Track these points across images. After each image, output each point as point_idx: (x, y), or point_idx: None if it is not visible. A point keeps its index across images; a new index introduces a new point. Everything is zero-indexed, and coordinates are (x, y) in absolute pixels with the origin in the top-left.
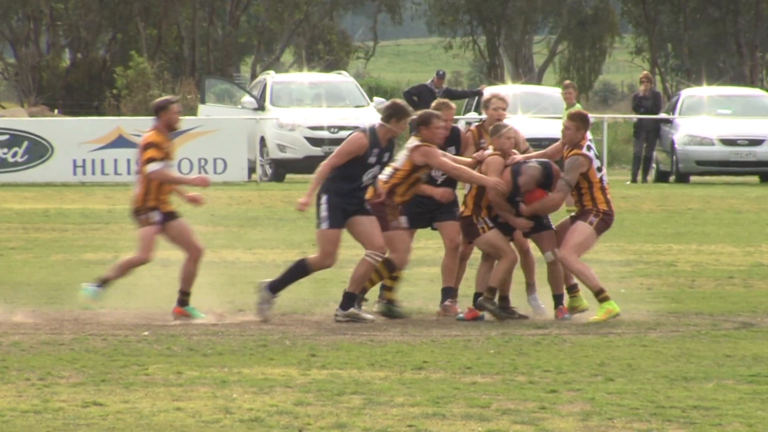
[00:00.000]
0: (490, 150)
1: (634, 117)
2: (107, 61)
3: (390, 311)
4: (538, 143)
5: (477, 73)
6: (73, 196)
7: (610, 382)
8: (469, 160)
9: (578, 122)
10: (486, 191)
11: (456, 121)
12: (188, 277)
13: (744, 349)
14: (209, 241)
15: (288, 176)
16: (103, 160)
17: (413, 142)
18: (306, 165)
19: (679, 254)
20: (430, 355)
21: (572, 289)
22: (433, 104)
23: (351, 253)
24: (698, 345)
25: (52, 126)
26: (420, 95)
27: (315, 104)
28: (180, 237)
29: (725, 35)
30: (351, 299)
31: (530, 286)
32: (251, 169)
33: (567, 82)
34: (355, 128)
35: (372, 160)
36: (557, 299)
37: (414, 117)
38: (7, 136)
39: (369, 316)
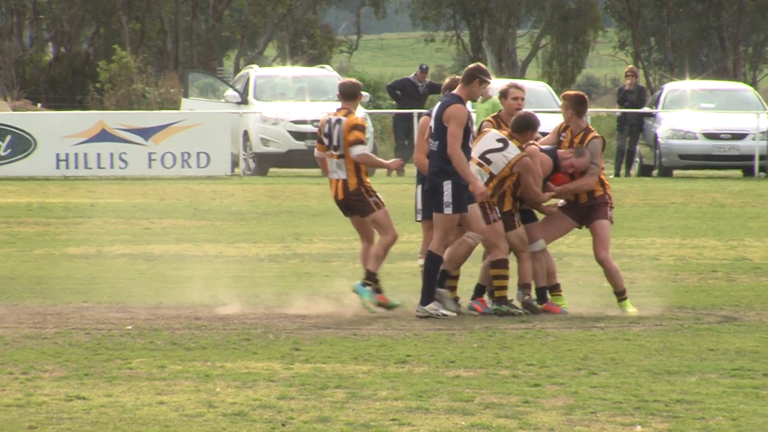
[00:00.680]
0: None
1: (618, 111)
2: (90, 55)
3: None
4: None
5: (460, 67)
6: (56, 190)
7: (593, 376)
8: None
9: (576, 106)
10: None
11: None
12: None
13: (727, 343)
14: (192, 235)
15: (271, 170)
16: (86, 154)
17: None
18: (289, 159)
19: (662, 248)
20: (413, 349)
21: (555, 289)
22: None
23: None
24: (681, 339)
25: (35, 120)
26: (403, 89)
27: (298, 98)
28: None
29: (708, 29)
30: (444, 275)
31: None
32: (234, 163)
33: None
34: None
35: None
36: (540, 292)
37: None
38: None
39: (451, 313)
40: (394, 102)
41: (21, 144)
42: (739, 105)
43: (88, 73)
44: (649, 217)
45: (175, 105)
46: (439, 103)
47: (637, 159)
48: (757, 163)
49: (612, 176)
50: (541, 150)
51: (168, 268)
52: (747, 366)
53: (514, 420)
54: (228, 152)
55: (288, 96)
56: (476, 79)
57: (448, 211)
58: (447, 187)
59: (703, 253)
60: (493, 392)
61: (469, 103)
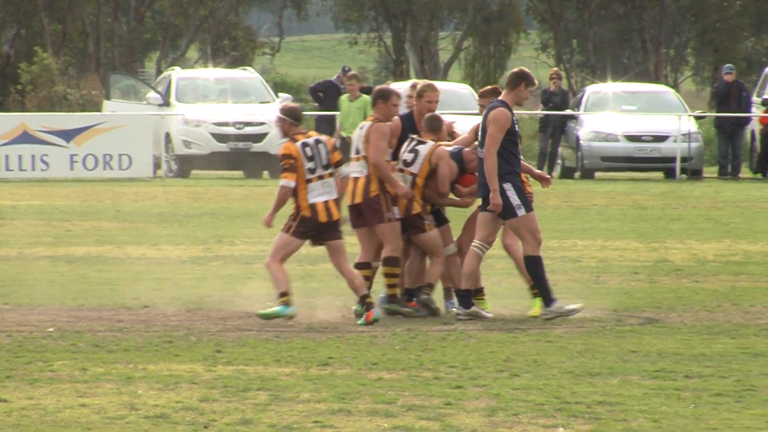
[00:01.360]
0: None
1: (540, 113)
2: (11, 56)
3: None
4: None
5: (382, 69)
6: None
7: (515, 378)
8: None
9: (492, 97)
10: (437, 186)
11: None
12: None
13: (649, 345)
14: (114, 237)
15: (193, 172)
16: (7, 156)
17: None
18: (211, 161)
19: (584, 250)
20: (335, 351)
21: (479, 293)
22: (419, 86)
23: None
24: (603, 341)
25: None
26: (326, 91)
27: (220, 100)
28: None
29: (630, 31)
30: (468, 297)
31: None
32: (156, 165)
33: (351, 73)
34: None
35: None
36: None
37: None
38: None
39: (489, 314)
40: (316, 104)
41: None
42: (661, 107)
43: (9, 75)
44: (571, 219)
45: (96, 107)
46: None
47: (559, 161)
48: (678, 165)
49: None
50: (454, 148)
51: (90, 270)
52: (668, 368)
53: (436, 422)
54: (150, 154)
55: (210, 98)
56: (523, 82)
57: (521, 213)
58: (509, 190)
59: (625, 255)
60: (416, 394)
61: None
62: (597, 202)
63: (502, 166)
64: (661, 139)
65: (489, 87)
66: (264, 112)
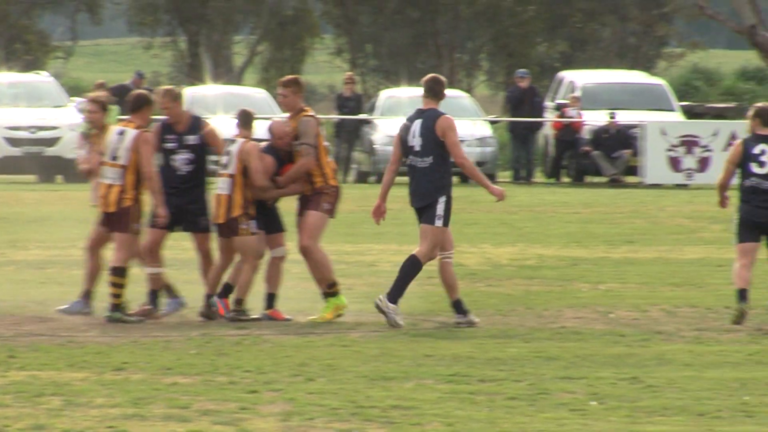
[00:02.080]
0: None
1: (335, 117)
2: None
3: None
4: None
5: (177, 73)
6: None
7: (310, 382)
8: None
9: (294, 86)
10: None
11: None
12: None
13: (443, 349)
14: None
15: None
16: None
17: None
18: (4, 165)
19: (379, 254)
20: (130, 356)
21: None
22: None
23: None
24: (398, 345)
25: None
26: (120, 95)
27: (14, 104)
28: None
29: (424, 36)
30: (460, 304)
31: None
32: None
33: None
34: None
35: None
36: (271, 298)
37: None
38: None
39: (476, 319)
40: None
41: None
42: (456, 112)
43: None
44: (366, 223)
45: None
46: (418, 121)
47: (354, 165)
48: None
49: None
50: (264, 151)
51: None
52: (463, 371)
53: (231, 426)
54: None
55: (3, 102)
56: (444, 90)
57: (438, 224)
58: (441, 202)
59: None
60: (211, 399)
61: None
62: (392, 207)
63: (445, 176)
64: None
65: (292, 76)
66: (58, 116)
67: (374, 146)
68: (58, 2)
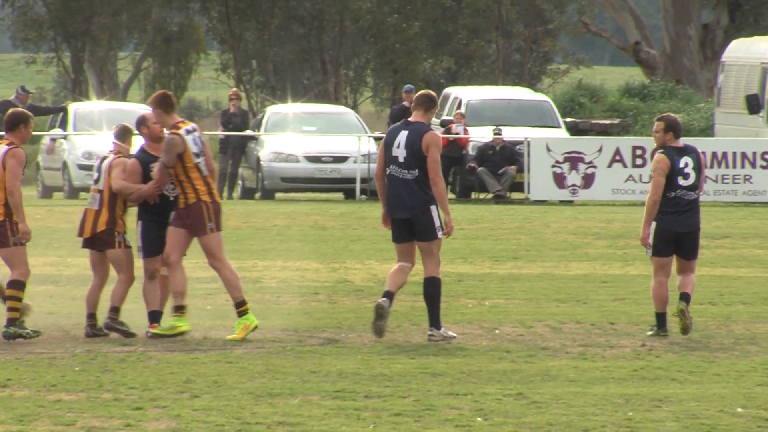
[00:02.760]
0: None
1: (221, 134)
2: None
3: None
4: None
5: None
6: None
7: (195, 399)
8: None
9: (161, 107)
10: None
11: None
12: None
13: (329, 365)
14: None
15: None
16: None
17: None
18: None
19: (264, 270)
20: (14, 372)
21: (179, 310)
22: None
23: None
24: (284, 361)
25: None
26: (4, 111)
27: None
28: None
29: (310, 52)
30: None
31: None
32: None
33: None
34: None
35: None
36: (155, 315)
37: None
38: None
39: (453, 334)
40: None
41: None
42: (341, 128)
43: None
44: (252, 239)
45: None
46: (404, 132)
47: (240, 182)
48: (358, 185)
49: None
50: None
51: None
52: (348, 387)
53: None
54: None
55: None
56: (435, 106)
57: (440, 234)
58: (434, 211)
59: (306, 275)
60: (95, 416)
61: None
62: (278, 223)
63: (430, 188)
64: (340, 159)
65: (159, 92)
66: None
67: (261, 162)
68: None
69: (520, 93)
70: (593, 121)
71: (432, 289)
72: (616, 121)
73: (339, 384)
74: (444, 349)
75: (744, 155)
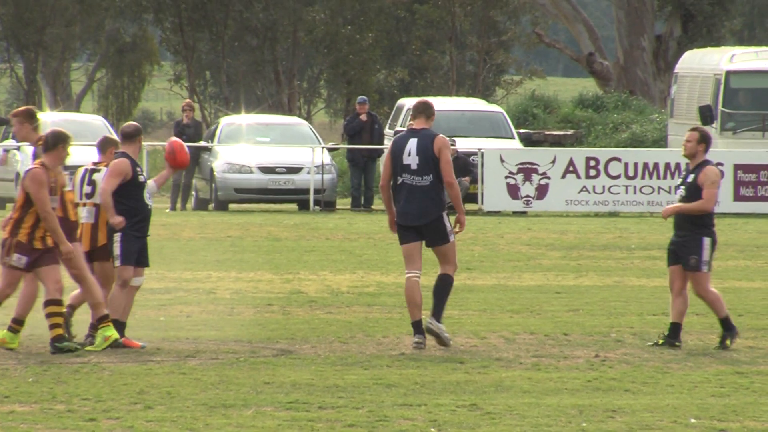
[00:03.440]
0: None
1: None
2: None
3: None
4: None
5: (14, 100)
6: None
7: (149, 410)
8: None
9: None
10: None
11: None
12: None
13: (283, 376)
14: None
15: None
16: None
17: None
18: None
19: (218, 281)
20: None
21: (103, 320)
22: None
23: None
24: (237, 372)
25: None
26: None
27: None
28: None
29: (263, 63)
30: (420, 324)
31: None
32: None
33: None
34: None
35: None
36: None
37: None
38: None
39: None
40: None
41: None
42: (295, 139)
43: None
44: (205, 250)
45: None
46: (413, 140)
47: (193, 193)
48: (311, 196)
49: (169, 210)
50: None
51: None
52: (302, 399)
53: None
54: None
55: None
56: (434, 112)
57: (452, 238)
58: (445, 218)
59: (259, 286)
60: (49, 427)
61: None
62: (231, 234)
63: (443, 193)
64: (295, 170)
65: (23, 108)
66: None
67: (214, 173)
68: None
69: (474, 104)
70: (547, 132)
71: (443, 283)
72: (570, 132)
73: (293, 395)
74: (397, 360)
75: None
